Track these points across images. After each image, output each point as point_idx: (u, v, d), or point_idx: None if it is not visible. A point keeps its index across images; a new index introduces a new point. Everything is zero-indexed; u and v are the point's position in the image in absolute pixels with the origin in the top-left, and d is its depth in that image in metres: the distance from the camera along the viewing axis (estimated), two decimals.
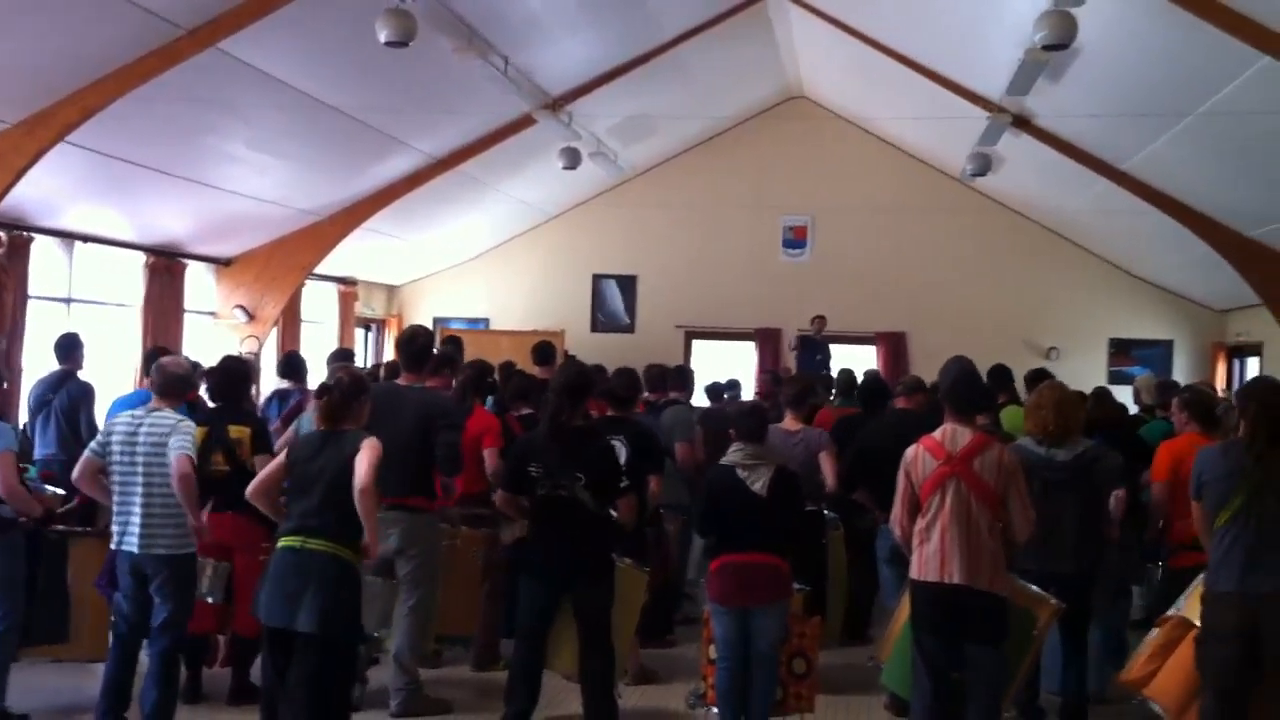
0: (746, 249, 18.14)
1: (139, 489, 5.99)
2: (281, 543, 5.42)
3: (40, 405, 8.94)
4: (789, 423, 8.22)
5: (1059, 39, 8.71)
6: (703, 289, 18.03)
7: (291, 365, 9.96)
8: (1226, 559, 5.57)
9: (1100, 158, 12.67)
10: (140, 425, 6.06)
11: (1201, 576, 6.01)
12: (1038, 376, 9.26)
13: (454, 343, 10.99)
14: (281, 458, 5.63)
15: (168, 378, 6.29)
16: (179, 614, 6.05)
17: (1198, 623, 5.87)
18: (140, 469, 6.00)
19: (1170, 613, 6.23)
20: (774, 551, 6.29)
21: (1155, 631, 6.24)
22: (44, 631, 6.64)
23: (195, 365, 8.50)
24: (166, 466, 5.95)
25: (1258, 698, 5.58)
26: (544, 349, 10.55)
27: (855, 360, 14.58)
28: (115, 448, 6.05)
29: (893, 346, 17.63)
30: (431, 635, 7.20)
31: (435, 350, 7.59)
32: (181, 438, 6.00)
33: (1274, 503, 5.48)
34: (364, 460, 5.30)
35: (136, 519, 5.97)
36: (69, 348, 9.11)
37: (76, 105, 8.84)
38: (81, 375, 9.11)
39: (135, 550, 5.97)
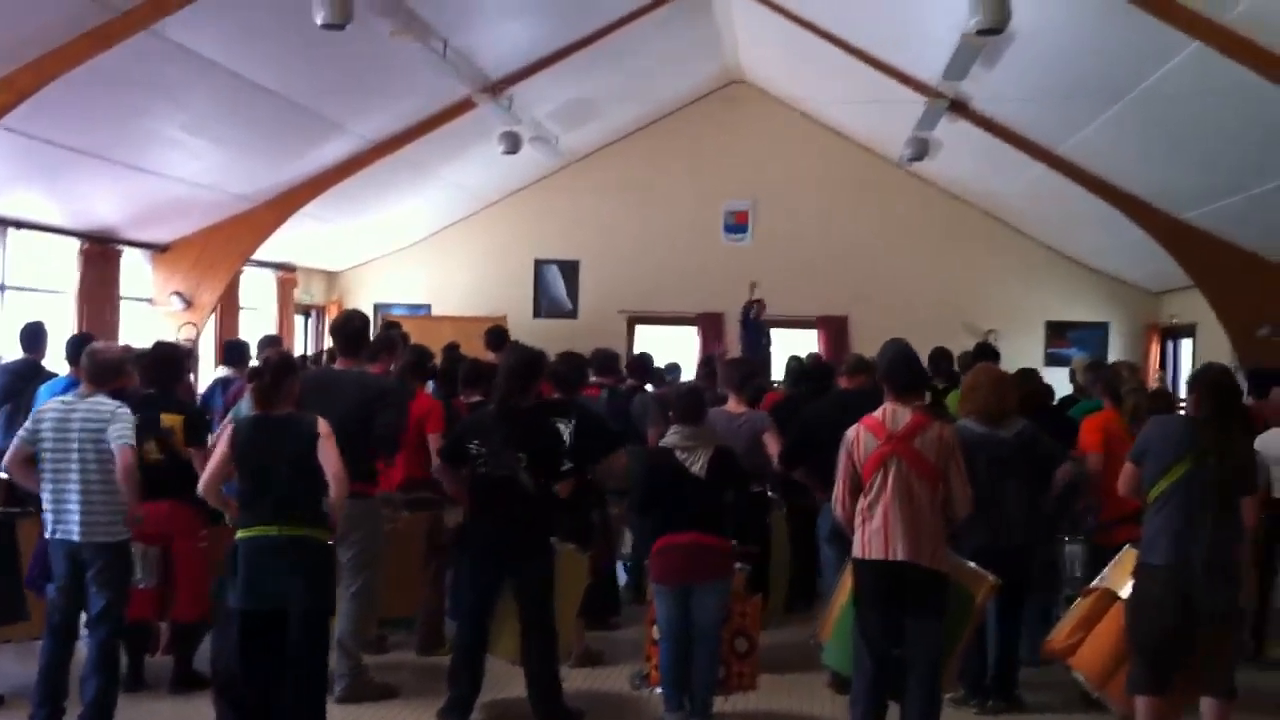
0: (688, 234, 18.14)
1: (75, 477, 5.91)
2: (253, 531, 5.46)
3: (8, 395, 8.72)
4: (732, 405, 8.25)
5: (993, 23, 8.78)
6: (645, 274, 18.02)
7: (235, 352, 9.86)
8: (1161, 533, 5.72)
9: (1036, 142, 12.81)
10: (74, 412, 5.99)
11: (1126, 548, 6.15)
12: (981, 354, 9.40)
13: (394, 326, 10.94)
14: (224, 449, 5.58)
15: (99, 364, 6.20)
16: (117, 601, 6.01)
17: (1122, 594, 6.01)
18: (75, 456, 5.92)
19: (1094, 584, 6.38)
20: (714, 531, 6.36)
21: (1080, 602, 6.38)
22: (4, 612, 6.63)
23: (128, 350, 8.40)
24: (104, 453, 5.89)
25: (1184, 666, 5.73)
26: (498, 333, 10.51)
27: (797, 344, 14.68)
28: (46, 435, 5.96)
29: (834, 330, 17.73)
30: (375, 620, 7.19)
31: (372, 335, 7.55)
32: (121, 426, 5.93)
33: (1211, 480, 5.62)
34: (331, 450, 5.49)
35: (75, 507, 5.90)
36: (35, 337, 8.91)
37: (8, 89, 8.66)
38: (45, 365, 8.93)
39: (75, 539, 5.90)
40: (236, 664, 5.52)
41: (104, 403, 6.03)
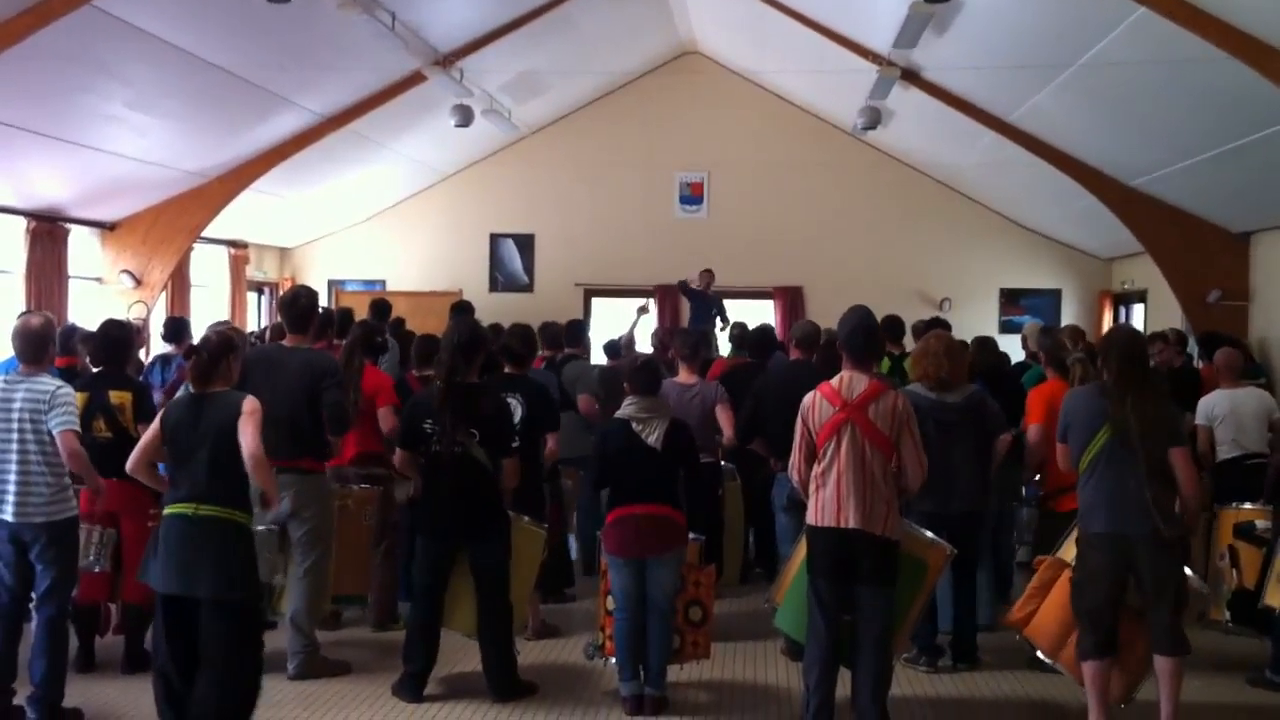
0: (644, 206, 18.12)
1: (14, 455, 5.85)
2: (171, 510, 5.32)
3: None
4: (684, 376, 8.27)
5: None
6: (601, 247, 17.98)
7: (175, 329, 9.75)
8: (1095, 502, 5.80)
9: (987, 110, 12.84)
10: (15, 391, 5.91)
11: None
12: (931, 325, 9.47)
13: (382, 307, 10.91)
14: (155, 425, 5.51)
15: (23, 337, 6.07)
16: (63, 580, 5.95)
17: (1071, 563, 6.07)
18: (15, 435, 5.86)
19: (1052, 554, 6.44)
20: (669, 502, 6.39)
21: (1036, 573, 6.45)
22: None
23: (74, 329, 8.32)
24: (43, 432, 5.84)
25: (1126, 630, 5.82)
26: (462, 307, 10.53)
27: (753, 315, 14.68)
28: None
29: (790, 300, 17.77)
30: (327, 597, 7.16)
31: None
32: (62, 413, 5.86)
33: (1134, 446, 5.68)
34: (249, 428, 5.24)
35: (11, 486, 5.84)
36: None
37: None
38: None
39: (11, 519, 5.84)
40: (161, 648, 5.43)
41: (44, 382, 5.95)
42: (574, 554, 9.11)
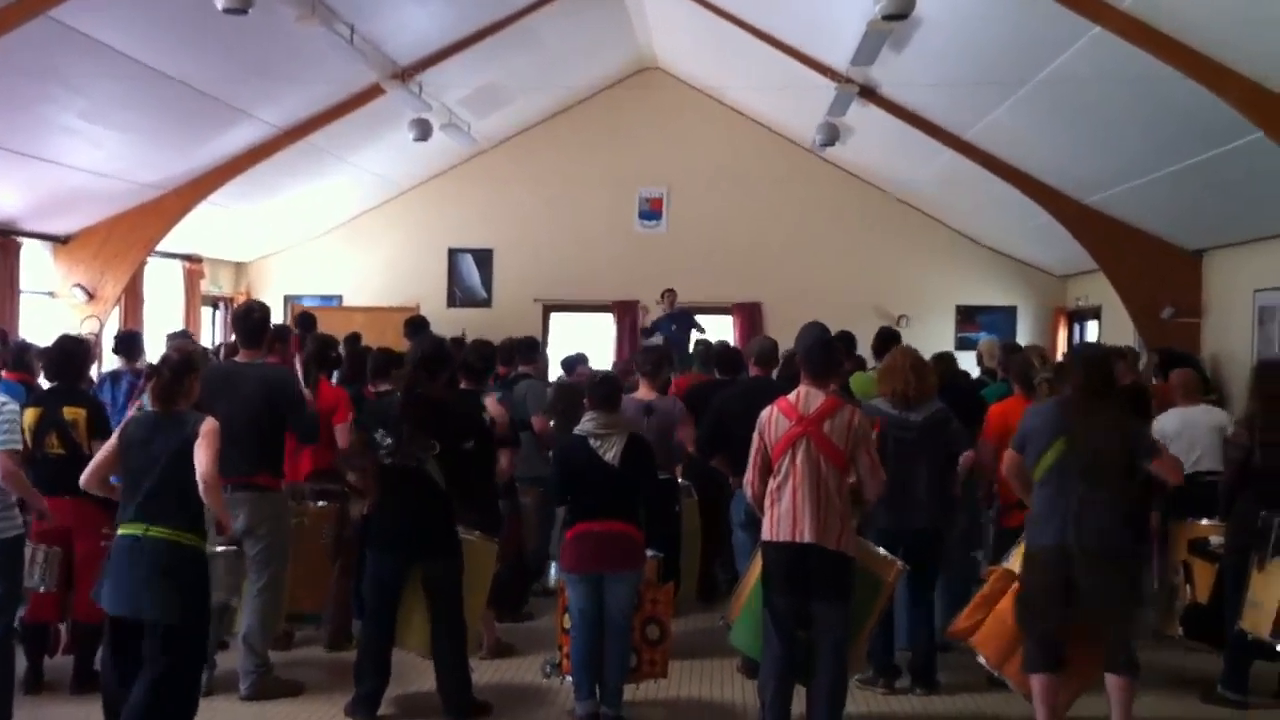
0: (603, 221, 18.09)
1: None
2: (122, 530, 5.28)
3: None
4: (644, 392, 8.25)
5: (899, 9, 8.85)
6: (560, 262, 17.94)
7: (127, 344, 9.62)
8: (1043, 514, 5.86)
9: (944, 127, 12.91)
10: None
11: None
12: (886, 338, 9.46)
13: (307, 320, 10.76)
14: (113, 441, 5.46)
15: None
16: (8, 598, 5.86)
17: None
18: None
19: (1001, 565, 6.48)
20: (627, 519, 6.37)
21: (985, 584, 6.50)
22: None
23: (29, 346, 8.22)
24: None
25: (1078, 644, 5.85)
26: (417, 323, 10.44)
27: (712, 331, 14.69)
28: None
29: (749, 317, 17.79)
30: (282, 616, 7.08)
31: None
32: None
33: (1090, 461, 5.73)
34: (204, 451, 5.20)
35: None
36: None
37: None
38: None
39: None
40: (109, 669, 5.36)
41: None
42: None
